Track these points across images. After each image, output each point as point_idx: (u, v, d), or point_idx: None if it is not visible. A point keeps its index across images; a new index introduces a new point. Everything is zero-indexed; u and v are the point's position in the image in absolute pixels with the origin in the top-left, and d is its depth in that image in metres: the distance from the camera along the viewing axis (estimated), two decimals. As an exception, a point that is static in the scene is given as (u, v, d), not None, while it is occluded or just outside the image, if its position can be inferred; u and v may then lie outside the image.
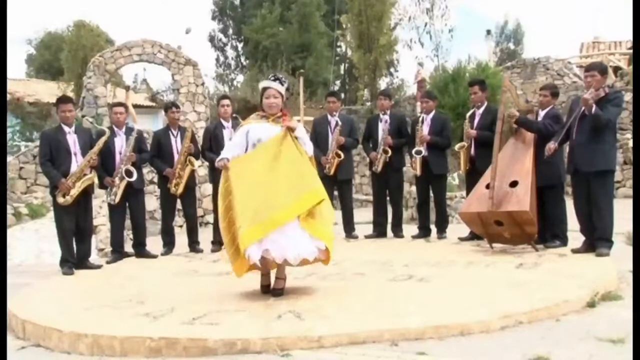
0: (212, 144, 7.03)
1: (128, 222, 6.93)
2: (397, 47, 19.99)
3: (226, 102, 7.21)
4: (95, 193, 6.57)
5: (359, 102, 20.28)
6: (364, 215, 8.52)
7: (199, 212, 10.42)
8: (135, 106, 16.81)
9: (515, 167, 5.93)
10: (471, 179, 6.68)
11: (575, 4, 51.30)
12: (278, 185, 4.25)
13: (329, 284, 4.81)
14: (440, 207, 7.23)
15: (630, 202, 5.45)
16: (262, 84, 4.64)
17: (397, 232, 7.39)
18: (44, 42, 26.89)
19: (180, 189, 6.95)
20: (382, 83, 21.42)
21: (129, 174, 6.42)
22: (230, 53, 29.27)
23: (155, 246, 7.02)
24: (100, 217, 9.12)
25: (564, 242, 5.96)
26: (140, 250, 6.80)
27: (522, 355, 3.19)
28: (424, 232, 7.25)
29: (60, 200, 5.91)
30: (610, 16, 47.64)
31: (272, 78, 4.58)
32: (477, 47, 64.41)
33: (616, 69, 16.89)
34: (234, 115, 7.04)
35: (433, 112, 7.18)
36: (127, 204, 6.67)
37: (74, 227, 6.10)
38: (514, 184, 5.81)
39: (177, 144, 7.04)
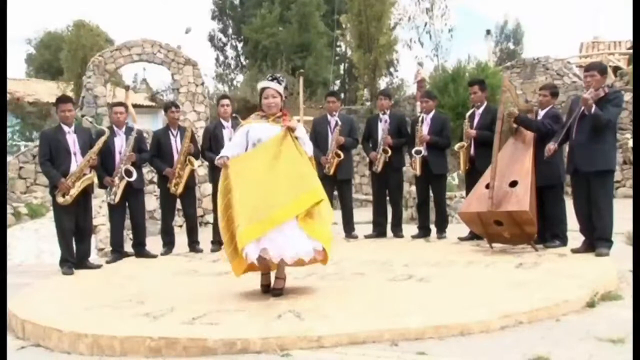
0: (211, 144, 7.03)
1: (128, 222, 6.93)
2: (397, 47, 20.03)
3: (226, 101, 7.21)
4: (95, 193, 6.57)
5: (359, 102, 20.29)
6: (363, 215, 8.52)
7: (199, 211, 10.43)
8: (135, 106, 16.83)
9: (515, 167, 5.93)
10: (471, 179, 6.68)
11: (575, 4, 51.36)
12: (278, 184, 4.26)
13: (328, 283, 4.81)
14: (440, 207, 7.23)
15: (630, 202, 5.45)
16: (260, 84, 4.68)
17: (397, 232, 7.40)
18: (44, 41, 26.88)
19: (180, 189, 6.95)
20: (382, 83, 21.45)
21: (128, 173, 6.42)
22: (230, 53, 29.31)
23: (155, 246, 7.02)
24: (100, 216, 9.12)
25: (563, 242, 5.96)
26: (140, 250, 6.80)
27: (522, 355, 3.19)
28: (424, 232, 7.26)
29: (60, 200, 5.91)
30: (610, 16, 47.71)
31: (270, 78, 4.60)
32: (476, 47, 64.51)
33: (616, 69, 16.90)
34: (234, 115, 7.03)
35: (433, 111, 7.18)
36: (126, 204, 6.67)
37: (73, 226, 6.10)
38: (513, 183, 5.81)
39: (176, 144, 7.04)
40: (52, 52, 24.30)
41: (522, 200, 5.63)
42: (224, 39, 29.25)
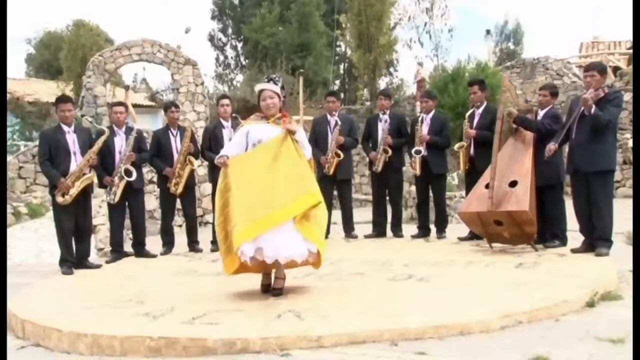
0: (211, 144, 7.03)
1: (127, 222, 6.93)
2: (397, 46, 20.03)
3: (226, 101, 7.21)
4: (95, 192, 6.57)
5: (359, 102, 20.30)
6: (363, 215, 8.52)
7: (199, 211, 10.42)
8: (135, 106, 16.84)
9: (514, 167, 5.93)
10: (470, 179, 6.68)
11: (574, 4, 51.36)
12: (277, 185, 4.26)
13: (328, 283, 4.81)
14: (439, 207, 7.23)
15: (629, 202, 5.45)
16: (257, 87, 4.70)
17: (397, 232, 7.39)
18: (44, 41, 26.87)
19: (180, 189, 6.95)
20: (382, 83, 21.47)
21: (128, 173, 6.42)
22: (230, 52, 29.32)
23: (154, 246, 7.02)
24: (100, 216, 9.12)
25: (563, 242, 5.96)
26: (140, 250, 6.80)
27: (522, 355, 3.20)
28: (424, 232, 7.25)
29: (60, 199, 5.91)
30: (610, 16, 47.71)
31: (266, 80, 4.64)
32: (476, 47, 64.53)
33: (615, 69, 16.90)
34: (234, 114, 7.03)
35: (432, 111, 7.18)
36: (126, 204, 6.67)
37: (73, 226, 6.10)
38: (513, 183, 5.81)
39: (176, 144, 7.04)
40: (52, 52, 24.30)
41: (521, 200, 5.63)
42: (224, 39, 29.28)
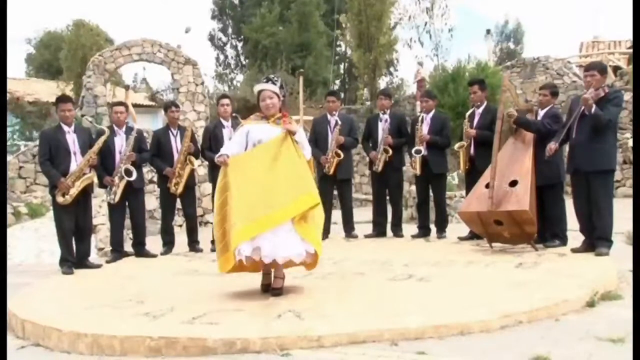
0: (211, 143, 7.02)
1: (128, 222, 6.93)
2: (397, 46, 20.04)
3: (226, 101, 7.21)
4: (95, 192, 6.57)
5: (359, 102, 20.30)
6: (363, 215, 8.52)
7: (199, 211, 10.42)
8: (135, 105, 16.84)
9: (514, 166, 5.93)
10: (471, 179, 6.68)
11: (575, 4, 51.34)
12: (277, 185, 4.27)
13: (328, 283, 4.82)
14: (439, 207, 7.23)
15: (630, 201, 5.45)
16: (256, 88, 4.71)
17: (397, 232, 7.39)
18: (44, 41, 26.88)
19: (180, 189, 6.96)
20: (382, 82, 21.47)
21: (128, 173, 6.42)
22: (230, 52, 29.32)
23: (154, 246, 7.02)
24: (100, 216, 9.12)
25: (563, 241, 5.96)
26: (140, 250, 6.80)
27: (522, 355, 3.19)
28: (424, 232, 7.25)
29: (60, 199, 5.91)
30: (610, 16, 47.69)
31: (264, 80, 4.65)
32: (476, 46, 64.55)
33: (616, 69, 16.90)
34: (234, 114, 7.03)
35: (433, 111, 7.18)
36: (126, 203, 6.67)
37: (73, 226, 6.10)
38: (513, 183, 5.81)
39: (176, 144, 7.04)
40: (52, 51, 24.30)
41: (522, 199, 5.63)
42: (224, 39, 29.29)
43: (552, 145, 5.59)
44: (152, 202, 10.32)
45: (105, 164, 6.44)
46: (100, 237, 8.83)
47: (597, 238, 5.44)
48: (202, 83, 13.03)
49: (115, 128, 6.58)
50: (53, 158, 6.00)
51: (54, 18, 54.69)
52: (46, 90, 19.64)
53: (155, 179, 9.03)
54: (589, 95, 5.29)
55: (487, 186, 5.86)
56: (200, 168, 9.50)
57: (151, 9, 52.64)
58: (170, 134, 7.07)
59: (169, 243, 7.10)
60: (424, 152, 6.96)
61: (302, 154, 4.49)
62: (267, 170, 4.31)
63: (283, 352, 3.38)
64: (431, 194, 7.26)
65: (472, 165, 6.69)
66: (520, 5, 50.20)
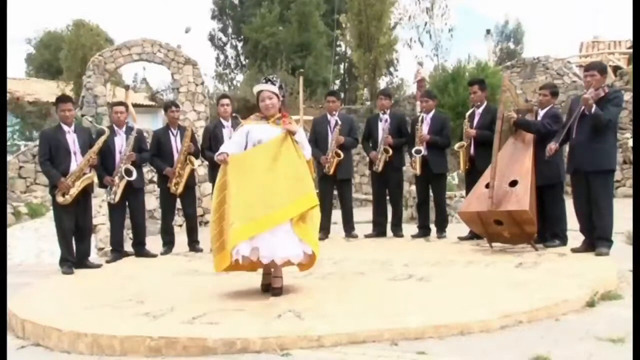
0: (211, 143, 7.02)
1: (128, 222, 6.93)
2: (397, 46, 20.03)
3: (226, 101, 7.21)
4: (95, 192, 6.57)
5: (359, 102, 20.30)
6: (363, 215, 8.52)
7: (199, 211, 10.40)
8: (135, 105, 16.83)
9: (514, 166, 5.93)
10: (471, 179, 6.68)
11: (575, 4, 51.35)
12: (276, 185, 4.27)
13: (328, 283, 4.82)
14: (439, 207, 7.23)
15: (630, 201, 5.45)
16: (255, 88, 4.72)
17: (397, 232, 7.39)
18: (44, 41, 26.88)
19: (180, 188, 6.96)
20: (382, 82, 21.46)
21: (128, 173, 6.42)
22: (230, 52, 29.32)
23: (154, 245, 7.02)
24: (100, 216, 9.12)
25: (563, 241, 5.96)
26: (140, 250, 6.80)
27: (522, 355, 3.19)
28: (424, 232, 7.25)
29: (60, 199, 5.91)
30: (610, 16, 47.70)
31: (263, 81, 4.65)
32: (477, 46, 64.55)
33: (616, 69, 16.90)
34: (234, 114, 7.03)
35: (433, 111, 7.18)
36: (126, 203, 6.67)
37: (73, 226, 6.10)
38: (513, 183, 5.81)
39: (176, 143, 7.04)
40: (52, 51, 24.30)
41: (522, 199, 5.63)
42: (224, 39, 29.29)
43: (552, 146, 5.59)
44: (152, 202, 10.32)
45: (105, 164, 6.43)
46: (100, 237, 8.83)
47: (597, 238, 5.44)
48: (202, 83, 13.03)
49: (115, 128, 6.58)
50: (53, 158, 6.00)
51: (54, 18, 54.76)
52: (46, 90, 19.64)
53: (155, 179, 9.02)
54: (589, 95, 5.29)
55: (487, 186, 5.86)
56: (200, 168, 9.50)
57: (151, 9, 52.69)
58: (170, 133, 7.07)
59: (169, 243, 7.10)
60: (424, 152, 6.96)
61: (302, 154, 4.50)
62: (267, 170, 4.31)
63: (283, 352, 3.38)
64: (431, 194, 7.26)
65: (472, 165, 6.69)
66: (520, 5, 50.25)
